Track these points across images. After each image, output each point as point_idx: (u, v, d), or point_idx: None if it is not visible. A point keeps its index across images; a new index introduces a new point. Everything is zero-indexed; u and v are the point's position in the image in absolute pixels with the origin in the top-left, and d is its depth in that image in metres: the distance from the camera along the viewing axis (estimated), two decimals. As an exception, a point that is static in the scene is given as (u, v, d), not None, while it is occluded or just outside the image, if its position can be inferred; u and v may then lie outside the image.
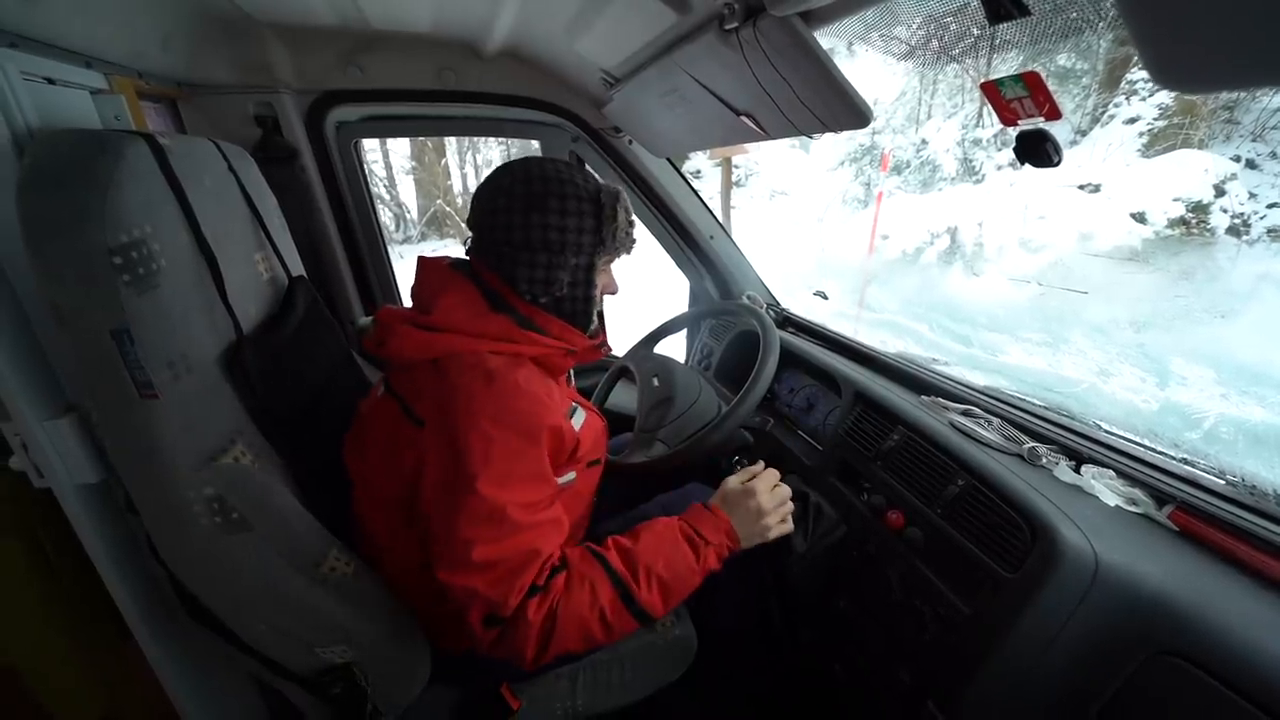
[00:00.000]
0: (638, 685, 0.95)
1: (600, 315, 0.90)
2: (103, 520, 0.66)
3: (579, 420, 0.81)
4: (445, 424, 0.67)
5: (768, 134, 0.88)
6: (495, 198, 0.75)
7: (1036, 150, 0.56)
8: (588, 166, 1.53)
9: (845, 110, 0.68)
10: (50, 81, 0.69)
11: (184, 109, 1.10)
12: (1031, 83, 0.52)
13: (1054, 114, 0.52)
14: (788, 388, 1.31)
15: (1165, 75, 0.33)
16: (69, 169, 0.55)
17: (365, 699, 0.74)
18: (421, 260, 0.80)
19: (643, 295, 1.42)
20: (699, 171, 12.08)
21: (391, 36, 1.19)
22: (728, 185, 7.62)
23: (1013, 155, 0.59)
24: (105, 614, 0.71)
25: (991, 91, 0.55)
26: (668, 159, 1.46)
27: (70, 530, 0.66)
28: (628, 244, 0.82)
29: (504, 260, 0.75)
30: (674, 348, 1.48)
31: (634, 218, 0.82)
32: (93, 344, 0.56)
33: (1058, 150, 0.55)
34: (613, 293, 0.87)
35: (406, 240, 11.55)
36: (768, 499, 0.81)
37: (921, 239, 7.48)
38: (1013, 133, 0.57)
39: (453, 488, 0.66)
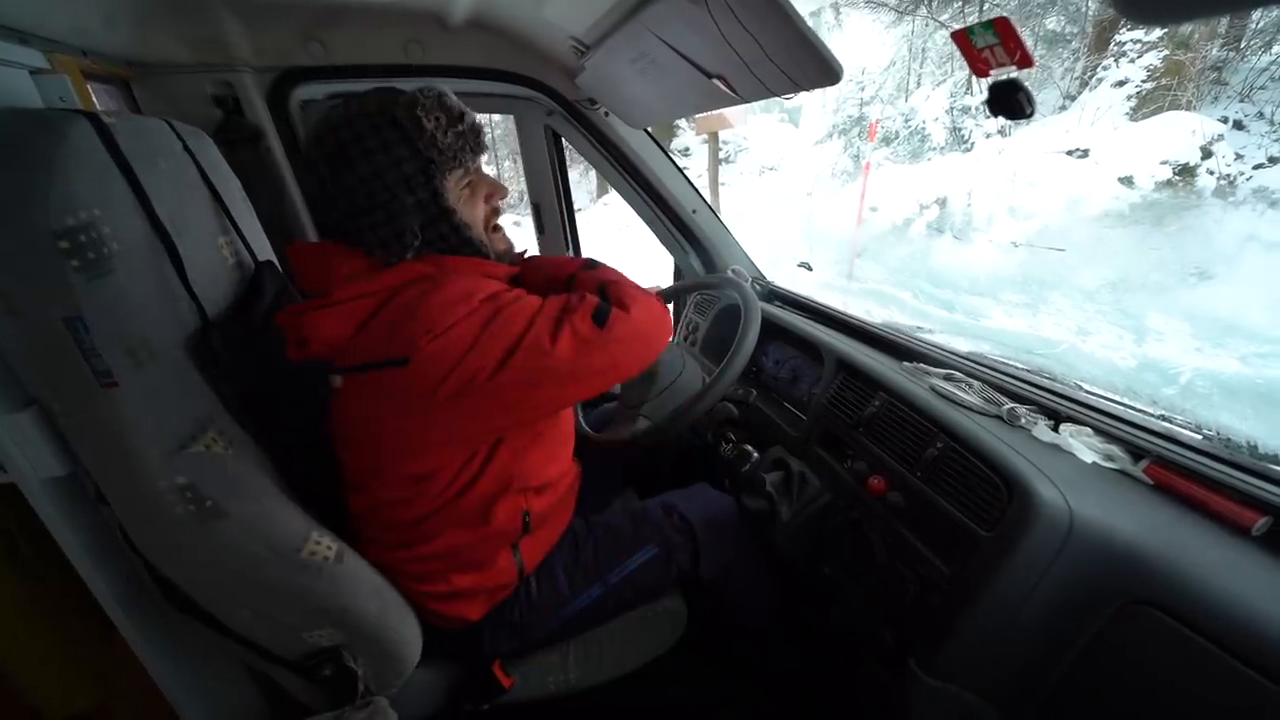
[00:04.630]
0: (629, 658, 0.96)
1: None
2: (73, 513, 0.65)
3: None
4: (424, 342, 0.62)
5: (741, 97, 0.86)
6: (310, 179, 0.69)
7: (1009, 101, 0.54)
8: (564, 141, 1.50)
9: (815, 67, 0.66)
10: (-19, 60, 0.65)
11: (138, 90, 1.06)
12: (1002, 30, 0.50)
13: (1026, 61, 0.51)
14: (773, 360, 1.31)
15: (1130, 6, 0.32)
16: (6, 150, 0.52)
17: (356, 680, 0.74)
18: (290, 250, 0.73)
19: (628, 272, 1.40)
20: (688, 149, 11.90)
21: (353, 8, 1.14)
22: (715, 161, 7.51)
23: (1001, 118, 0.58)
24: (88, 607, 0.71)
25: (962, 40, 0.53)
26: (647, 131, 1.43)
27: (43, 524, 0.65)
28: (466, 143, 0.70)
29: (351, 234, 0.68)
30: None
31: (464, 111, 0.71)
32: (46, 333, 0.54)
33: (1030, 101, 0.54)
34: (502, 197, 0.78)
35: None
36: None
37: (910, 210, 7.45)
38: (985, 84, 0.55)
39: (477, 379, 0.63)
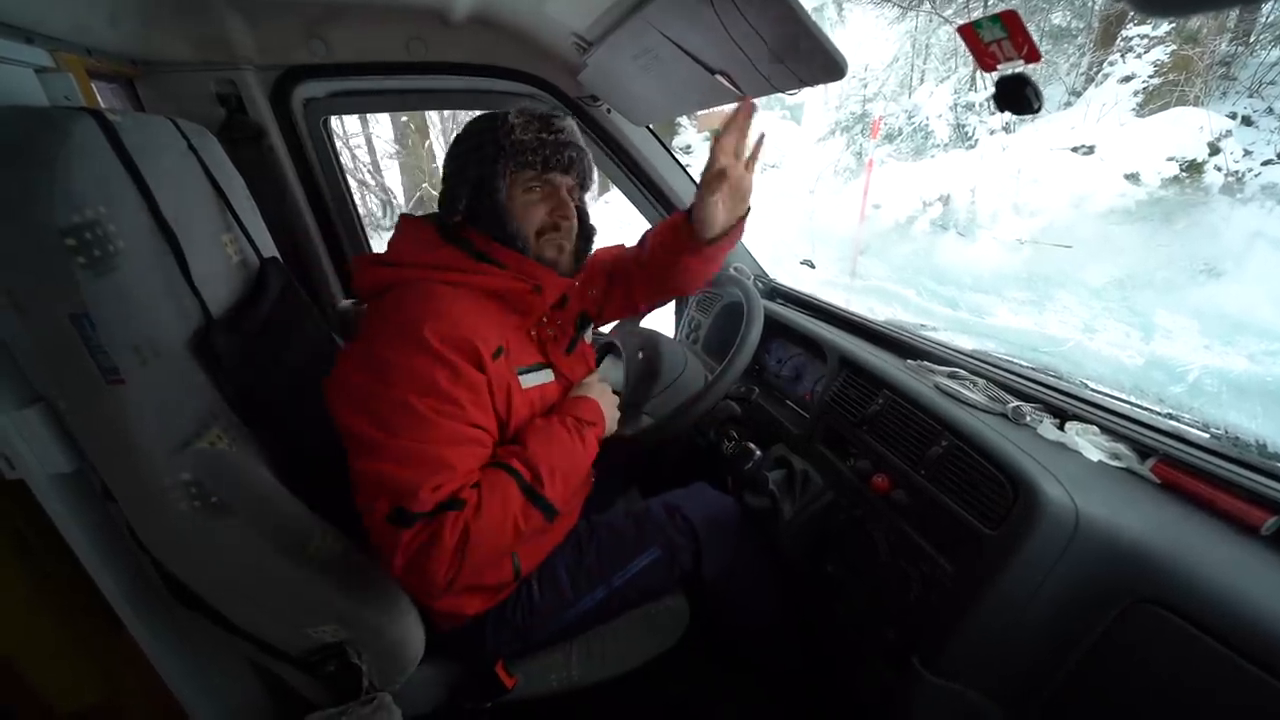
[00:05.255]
0: (632, 656, 0.96)
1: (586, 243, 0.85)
2: (80, 510, 0.66)
3: (537, 379, 0.80)
4: (373, 332, 0.70)
5: (744, 93, 0.85)
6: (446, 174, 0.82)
7: (1016, 96, 0.54)
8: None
9: (820, 62, 0.66)
10: (-13, 59, 0.66)
11: (141, 89, 1.06)
12: (1010, 23, 0.50)
13: (1034, 56, 0.50)
14: (776, 358, 1.31)
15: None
16: (11, 148, 0.53)
17: (360, 676, 0.75)
18: (402, 218, 0.84)
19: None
20: (689, 147, 11.85)
21: (354, 5, 1.14)
22: (717, 159, 7.47)
23: (1006, 115, 0.57)
24: (96, 603, 0.71)
25: (969, 35, 0.53)
26: (649, 129, 1.43)
27: (51, 521, 0.66)
28: (543, 147, 0.75)
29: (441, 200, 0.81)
30: (662, 322, 1.47)
31: (560, 129, 0.77)
32: (52, 330, 0.54)
33: (1038, 95, 0.53)
34: (564, 216, 0.79)
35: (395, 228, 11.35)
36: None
37: (914, 207, 7.40)
38: (991, 80, 0.55)
39: (370, 386, 0.65)
